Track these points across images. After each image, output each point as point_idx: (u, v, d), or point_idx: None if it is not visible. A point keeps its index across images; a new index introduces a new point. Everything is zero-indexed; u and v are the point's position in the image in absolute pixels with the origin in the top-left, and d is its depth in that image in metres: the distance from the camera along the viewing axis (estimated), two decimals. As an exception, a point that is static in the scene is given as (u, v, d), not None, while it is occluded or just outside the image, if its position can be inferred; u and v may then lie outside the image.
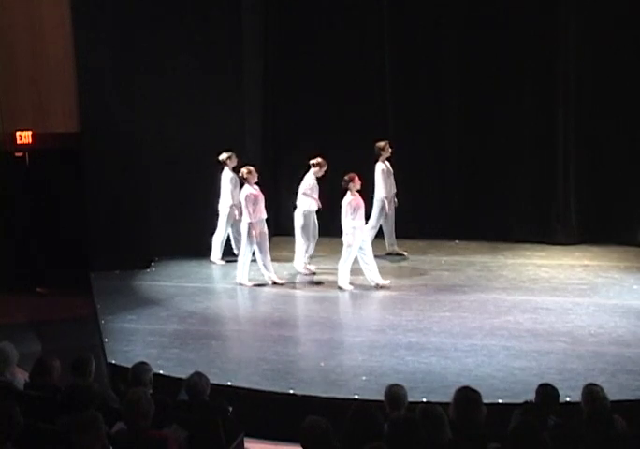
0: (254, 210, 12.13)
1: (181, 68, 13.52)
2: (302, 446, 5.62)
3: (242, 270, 12.46)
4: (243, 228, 12.32)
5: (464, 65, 14.66)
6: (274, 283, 12.41)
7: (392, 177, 13.50)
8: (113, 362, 9.60)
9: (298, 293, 12.31)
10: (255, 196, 12.17)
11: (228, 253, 13.61)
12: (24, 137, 13.54)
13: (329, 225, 13.08)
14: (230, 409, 7.02)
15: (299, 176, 13.24)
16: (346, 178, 11.94)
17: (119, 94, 13.29)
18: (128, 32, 13.22)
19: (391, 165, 13.69)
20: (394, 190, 13.55)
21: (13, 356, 7.48)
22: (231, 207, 13.32)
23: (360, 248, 12.00)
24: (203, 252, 13.78)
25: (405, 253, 13.83)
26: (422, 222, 14.70)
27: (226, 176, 13.36)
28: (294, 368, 9.41)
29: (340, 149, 14.25)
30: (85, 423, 5.56)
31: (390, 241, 13.75)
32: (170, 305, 11.77)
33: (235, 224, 13.35)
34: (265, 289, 12.37)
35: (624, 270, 13.03)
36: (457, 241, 14.47)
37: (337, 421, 5.76)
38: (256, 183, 12.29)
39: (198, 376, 6.95)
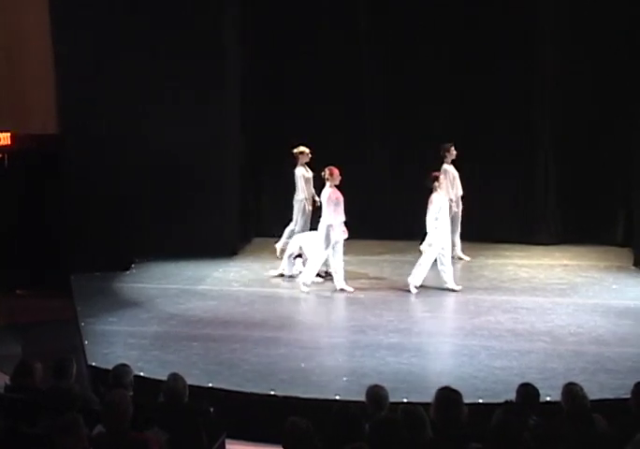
0: (335, 212, 11.90)
1: (163, 69, 13.44)
2: (284, 447, 5.61)
3: (310, 274, 12.15)
4: (322, 229, 12.01)
5: (447, 67, 14.68)
6: (341, 290, 12.16)
7: (457, 179, 13.36)
8: (94, 364, 9.55)
9: (279, 294, 12.29)
10: (337, 198, 11.92)
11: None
12: (3, 138, 13.47)
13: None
14: (211, 410, 7.00)
15: (281, 177, 13.25)
16: (432, 176, 11.86)
17: (99, 94, 13.18)
18: (109, 33, 13.10)
19: (376, 163, 13.68)
20: (460, 193, 13.46)
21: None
22: (302, 201, 13.27)
23: (442, 249, 11.89)
24: (184, 253, 13.76)
25: (468, 258, 13.62)
26: (402, 222, 14.71)
27: (298, 171, 13.26)
28: (275, 369, 9.39)
29: (322, 149, 14.22)
30: (66, 425, 5.54)
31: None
32: (151, 307, 11.73)
33: (305, 218, 13.29)
34: (244, 289, 12.36)
35: (603, 270, 13.11)
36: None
37: (318, 422, 5.76)
38: (336, 186, 12.01)
39: (174, 379, 6.91)
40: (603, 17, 14.01)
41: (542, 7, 14.20)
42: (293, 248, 12.75)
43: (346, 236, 12.04)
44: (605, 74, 14.10)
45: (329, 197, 11.95)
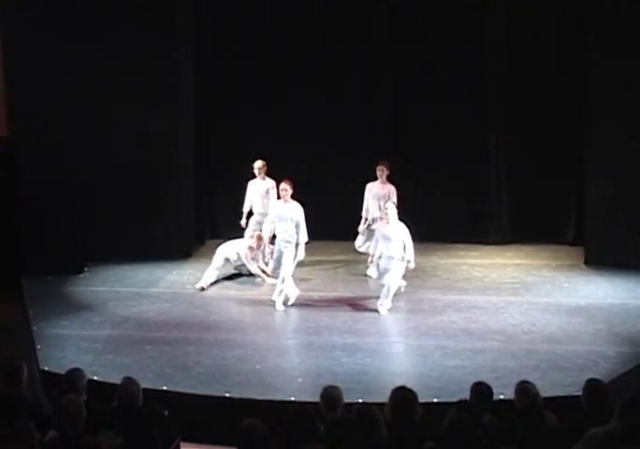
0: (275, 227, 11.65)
1: (114, 70, 13.32)
2: (239, 450, 5.60)
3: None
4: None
5: (398, 66, 14.75)
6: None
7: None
8: (46, 369, 9.46)
9: (232, 296, 12.26)
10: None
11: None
12: (-46, 141, 13.28)
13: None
14: (166, 413, 6.97)
15: (235, 179, 13.18)
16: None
17: (51, 96, 13.03)
18: (58, 33, 12.96)
19: (331, 162, 14.28)
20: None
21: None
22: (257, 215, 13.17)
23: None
24: (137, 255, 13.67)
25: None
26: (357, 223, 14.72)
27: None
28: (230, 371, 9.38)
29: (278, 150, 14.23)
30: (17, 432, 5.48)
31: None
32: (104, 310, 11.64)
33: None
34: (198, 292, 12.32)
35: (555, 269, 13.26)
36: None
37: (274, 424, 5.75)
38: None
39: (128, 383, 6.87)
40: (551, 21, 14.22)
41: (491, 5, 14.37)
42: (219, 259, 12.61)
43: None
44: (557, 74, 14.26)
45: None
